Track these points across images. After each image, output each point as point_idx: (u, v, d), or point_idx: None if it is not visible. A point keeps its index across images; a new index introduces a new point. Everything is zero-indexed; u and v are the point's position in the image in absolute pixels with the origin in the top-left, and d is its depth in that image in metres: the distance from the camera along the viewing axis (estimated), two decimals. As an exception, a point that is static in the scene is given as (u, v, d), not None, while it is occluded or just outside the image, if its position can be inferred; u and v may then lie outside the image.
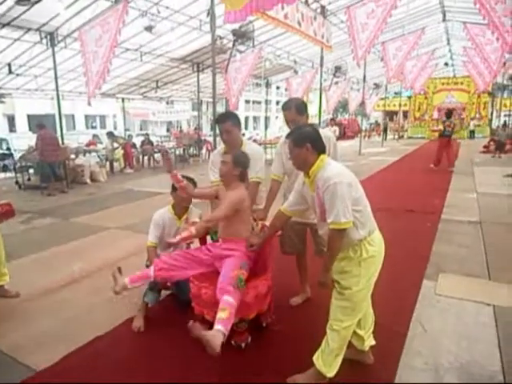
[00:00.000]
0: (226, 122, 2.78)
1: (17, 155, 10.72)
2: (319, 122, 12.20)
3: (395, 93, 25.73)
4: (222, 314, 2.08)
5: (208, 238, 2.83)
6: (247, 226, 2.53)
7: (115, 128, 23.25)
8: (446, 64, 21.35)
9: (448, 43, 18.28)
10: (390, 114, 29.87)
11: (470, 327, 2.66)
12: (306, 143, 1.99)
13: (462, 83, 23.55)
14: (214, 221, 2.43)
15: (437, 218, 5.50)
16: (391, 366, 2.24)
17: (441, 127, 11.25)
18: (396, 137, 25.07)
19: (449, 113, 10.57)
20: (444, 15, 13.95)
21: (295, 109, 2.68)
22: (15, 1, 6.65)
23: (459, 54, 18.72)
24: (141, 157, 13.38)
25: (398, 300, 3.04)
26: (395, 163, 12.31)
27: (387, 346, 2.39)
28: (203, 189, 2.85)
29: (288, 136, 2.14)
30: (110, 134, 12.25)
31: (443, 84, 24.24)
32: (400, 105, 24.59)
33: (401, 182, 8.80)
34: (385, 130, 23.91)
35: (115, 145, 11.77)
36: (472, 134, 23.24)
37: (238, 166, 2.45)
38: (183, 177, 2.63)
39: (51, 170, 8.29)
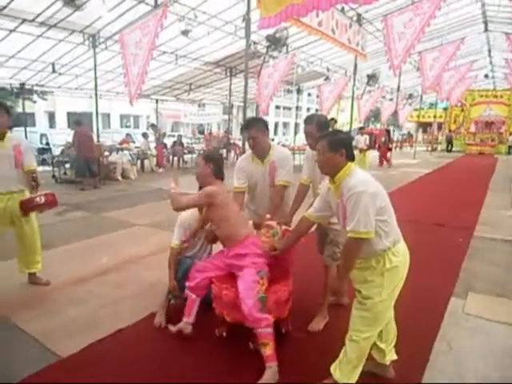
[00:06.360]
0: (251, 128, 2.81)
1: (55, 150, 11.19)
2: (350, 131, 12.05)
3: (430, 104, 25.05)
4: (266, 350, 2.13)
5: None
6: (242, 225, 2.50)
7: (147, 128, 23.86)
8: (486, 76, 20.56)
9: (489, 54, 17.62)
10: (424, 126, 29.04)
11: (499, 350, 2.54)
12: (341, 148, 1.97)
13: (501, 96, 22.65)
14: (178, 204, 2.40)
15: (469, 234, 5.29)
16: (412, 381, 2.18)
17: None
18: (429, 149, 24.39)
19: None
20: (486, 25, 13.48)
21: (316, 125, 2.73)
22: (63, 4, 6.98)
23: (501, 66, 18.01)
24: (171, 157, 13.69)
25: (423, 316, 2.94)
26: (426, 176, 11.96)
27: (409, 361, 2.32)
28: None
29: (322, 138, 2.05)
30: (153, 126, 12.87)
31: (482, 96, 23.38)
32: (435, 116, 23.91)
33: (431, 195, 8.53)
34: (449, 142, 23.76)
35: (150, 144, 12.22)
36: (510, 149, 22.26)
37: (208, 161, 2.51)
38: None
39: (86, 165, 8.67)
